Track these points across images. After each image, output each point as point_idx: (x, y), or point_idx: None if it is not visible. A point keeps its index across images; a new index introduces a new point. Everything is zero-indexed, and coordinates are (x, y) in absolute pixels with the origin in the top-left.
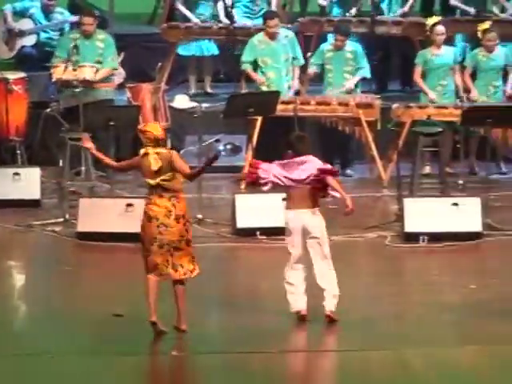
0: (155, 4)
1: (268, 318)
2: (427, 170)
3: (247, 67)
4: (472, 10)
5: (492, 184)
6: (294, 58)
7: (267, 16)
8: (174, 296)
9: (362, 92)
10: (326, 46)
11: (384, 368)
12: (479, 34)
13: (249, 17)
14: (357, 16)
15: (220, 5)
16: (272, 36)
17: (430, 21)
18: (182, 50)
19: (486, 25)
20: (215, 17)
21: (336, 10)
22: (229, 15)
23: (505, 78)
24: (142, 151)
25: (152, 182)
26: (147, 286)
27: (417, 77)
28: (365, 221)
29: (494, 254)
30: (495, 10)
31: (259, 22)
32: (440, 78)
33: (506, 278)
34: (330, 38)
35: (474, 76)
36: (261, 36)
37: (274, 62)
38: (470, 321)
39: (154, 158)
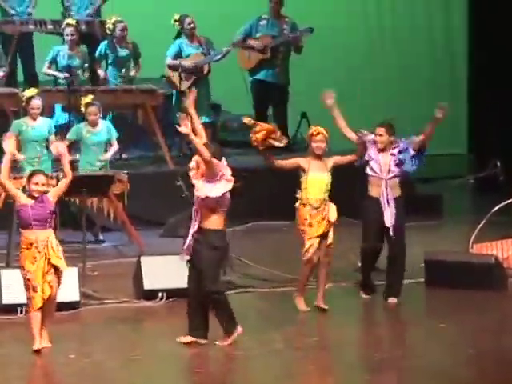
0: None
1: None
2: None
3: None
4: (64, 75)
5: (88, 253)
6: None
7: None
8: None
9: None
10: None
11: None
12: (82, 108)
13: None
14: None
15: None
16: None
17: (27, 93)
18: None
19: (88, 99)
20: None
21: None
22: None
23: None
24: None
25: None
26: None
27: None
28: None
29: (93, 321)
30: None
31: None
32: (37, 149)
33: (104, 345)
34: None
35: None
36: None
37: None
38: None
39: None
